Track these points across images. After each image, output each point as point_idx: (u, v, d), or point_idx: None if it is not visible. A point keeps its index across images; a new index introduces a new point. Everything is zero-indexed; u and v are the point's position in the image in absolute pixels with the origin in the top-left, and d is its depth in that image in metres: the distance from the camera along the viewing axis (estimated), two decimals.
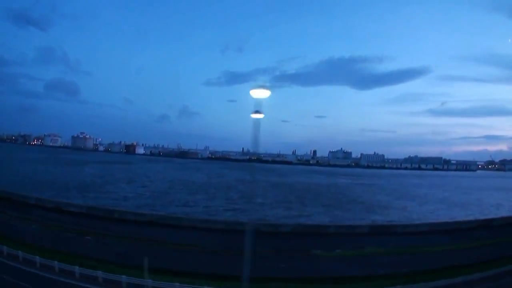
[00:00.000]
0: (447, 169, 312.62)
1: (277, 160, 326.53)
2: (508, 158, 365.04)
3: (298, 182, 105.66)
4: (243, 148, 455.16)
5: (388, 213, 55.06)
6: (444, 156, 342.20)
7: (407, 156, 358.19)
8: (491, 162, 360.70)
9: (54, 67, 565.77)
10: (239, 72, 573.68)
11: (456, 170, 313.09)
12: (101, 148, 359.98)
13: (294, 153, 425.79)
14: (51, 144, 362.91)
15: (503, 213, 57.96)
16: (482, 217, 47.57)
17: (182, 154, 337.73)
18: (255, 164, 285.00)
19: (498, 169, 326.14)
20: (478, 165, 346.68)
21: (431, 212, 58.72)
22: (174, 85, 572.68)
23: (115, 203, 47.20)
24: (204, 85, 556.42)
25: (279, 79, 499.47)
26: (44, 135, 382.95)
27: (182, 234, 30.75)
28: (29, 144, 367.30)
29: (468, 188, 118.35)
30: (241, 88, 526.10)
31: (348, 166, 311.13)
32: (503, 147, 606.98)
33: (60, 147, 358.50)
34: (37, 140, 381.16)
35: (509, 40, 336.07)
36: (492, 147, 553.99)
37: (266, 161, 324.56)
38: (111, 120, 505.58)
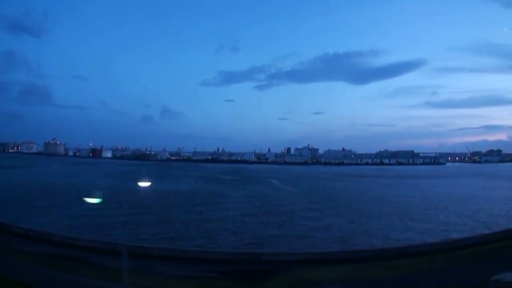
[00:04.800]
0: (413, 163, 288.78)
1: (232, 159, 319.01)
2: (495, 149, 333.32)
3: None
4: (218, 148, 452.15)
5: None
6: (443, 148, 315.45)
7: (377, 151, 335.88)
8: (476, 153, 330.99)
9: (45, 71, 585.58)
10: (235, 71, 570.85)
11: (423, 164, 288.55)
12: (70, 153, 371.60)
13: (269, 151, 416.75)
14: (26, 151, 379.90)
15: None
16: None
17: (142, 156, 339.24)
18: (201, 164, 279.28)
19: (473, 161, 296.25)
20: (456, 157, 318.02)
21: None
22: (169, 87, 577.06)
23: None
24: (200, 86, 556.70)
25: (275, 77, 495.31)
26: (23, 142, 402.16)
27: None
28: (7, 151, 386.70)
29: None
30: (239, 87, 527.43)
31: (304, 163, 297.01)
32: (502, 136, 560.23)
33: (35, 153, 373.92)
34: (16, 147, 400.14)
35: (505, 29, 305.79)
36: (492, 137, 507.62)
37: (222, 161, 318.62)
38: (103, 124, 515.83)
